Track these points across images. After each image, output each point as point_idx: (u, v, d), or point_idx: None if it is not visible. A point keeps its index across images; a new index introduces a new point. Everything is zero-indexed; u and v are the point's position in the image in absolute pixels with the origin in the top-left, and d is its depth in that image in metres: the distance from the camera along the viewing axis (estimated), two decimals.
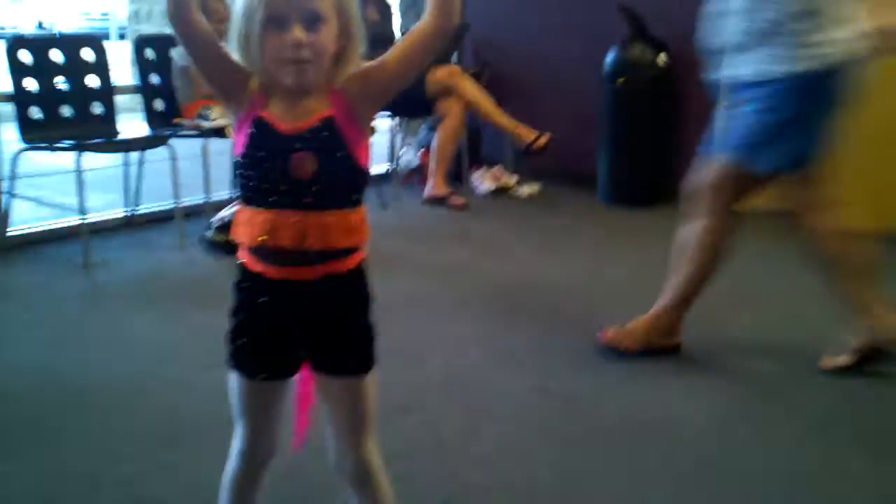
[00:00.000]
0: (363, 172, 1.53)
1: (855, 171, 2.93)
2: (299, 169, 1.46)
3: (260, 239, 1.49)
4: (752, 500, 2.19)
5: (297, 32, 1.42)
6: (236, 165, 1.53)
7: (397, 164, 5.68)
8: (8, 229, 3.98)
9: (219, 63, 1.53)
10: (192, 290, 3.50)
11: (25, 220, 4.15)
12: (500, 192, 5.50)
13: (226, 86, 1.54)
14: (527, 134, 5.21)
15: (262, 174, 1.48)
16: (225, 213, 4.15)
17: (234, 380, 1.60)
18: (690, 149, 5.13)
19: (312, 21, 1.44)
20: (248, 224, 1.50)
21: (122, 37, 13.70)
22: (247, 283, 1.55)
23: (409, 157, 5.77)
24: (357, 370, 1.60)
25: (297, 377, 1.62)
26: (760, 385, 2.83)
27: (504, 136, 5.44)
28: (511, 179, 5.60)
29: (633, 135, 5.16)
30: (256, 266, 1.53)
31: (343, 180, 1.50)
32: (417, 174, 5.64)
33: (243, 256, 1.55)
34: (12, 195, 3.94)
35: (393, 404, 2.59)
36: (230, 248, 3.95)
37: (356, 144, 1.50)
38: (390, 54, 1.56)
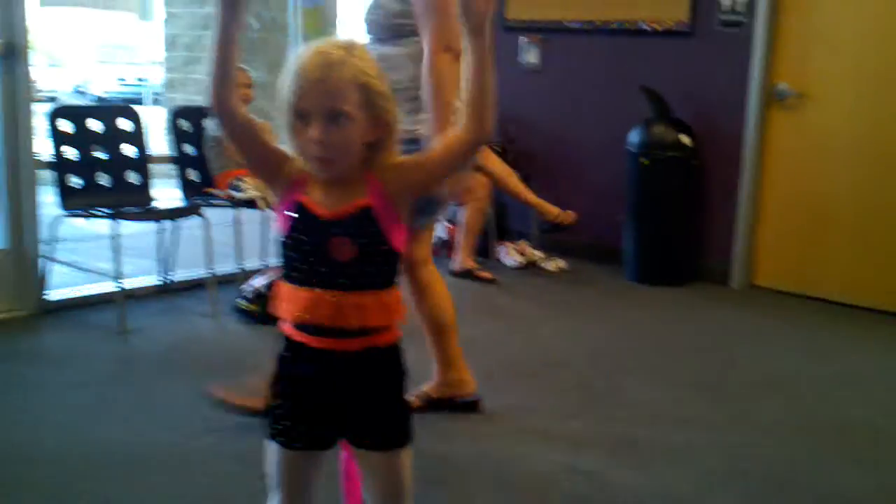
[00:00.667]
0: (398, 255, 1.59)
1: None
2: (338, 253, 1.53)
3: (299, 316, 1.54)
4: None
5: (316, 131, 1.49)
6: (280, 244, 1.59)
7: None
8: (45, 293, 4.04)
9: (257, 148, 1.61)
10: (224, 357, 3.54)
11: (62, 284, 4.21)
12: (528, 266, 5.54)
13: (264, 168, 1.63)
14: (551, 210, 5.29)
15: (302, 256, 1.54)
16: (256, 281, 4.21)
17: (271, 449, 1.63)
18: (715, 227, 5.24)
19: (335, 118, 1.50)
20: (289, 301, 1.56)
21: (156, 102, 14.03)
22: (289, 353, 1.61)
23: (437, 231, 5.83)
24: (395, 444, 1.64)
25: (340, 456, 1.67)
26: None
27: (530, 212, 5.52)
28: (537, 254, 5.64)
29: (659, 213, 5.20)
30: (299, 337, 1.58)
31: (379, 263, 1.57)
32: (445, 248, 5.69)
33: (286, 328, 1.60)
34: (50, 260, 4.02)
35: (425, 478, 2.61)
36: (261, 317, 4.03)
37: (392, 230, 1.56)
38: (428, 156, 1.63)
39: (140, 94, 17.01)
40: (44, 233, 3.99)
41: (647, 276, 5.23)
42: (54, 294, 4.11)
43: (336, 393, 1.59)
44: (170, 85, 10.09)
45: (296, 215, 1.55)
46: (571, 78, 5.80)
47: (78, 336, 3.79)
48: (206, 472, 2.60)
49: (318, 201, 1.55)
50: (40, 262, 4.01)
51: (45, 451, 2.69)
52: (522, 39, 5.96)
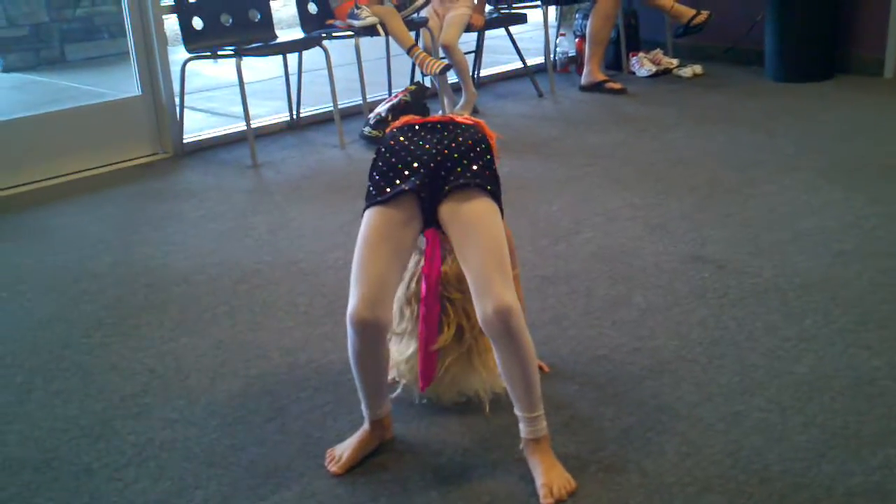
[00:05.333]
0: None
1: None
2: None
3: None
4: None
5: None
6: None
7: (553, 54, 5.59)
8: (183, 137, 4.22)
9: None
10: (352, 182, 3.62)
11: (198, 129, 4.38)
12: (662, 74, 5.32)
13: None
14: (685, 12, 5.01)
15: None
16: (380, 109, 4.24)
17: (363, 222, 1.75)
18: (866, 16, 4.83)
19: None
20: None
21: None
22: None
23: (565, 46, 5.66)
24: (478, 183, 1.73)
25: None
26: None
27: (662, 17, 5.25)
28: (672, 62, 5.39)
29: (801, 6, 4.84)
30: None
31: None
32: (574, 63, 5.53)
33: None
34: (184, 105, 4.17)
35: (542, 275, 2.63)
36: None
37: None
38: None
39: None
40: (177, 83, 4.12)
41: (791, 73, 4.93)
42: (191, 137, 4.27)
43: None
44: None
45: None
46: None
47: (213, 173, 3.95)
48: (336, 278, 2.70)
49: None
50: (175, 107, 4.16)
51: (193, 272, 2.86)
52: None
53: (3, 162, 3.76)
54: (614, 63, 5.47)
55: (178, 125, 4.18)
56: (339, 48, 4.46)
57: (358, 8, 4.33)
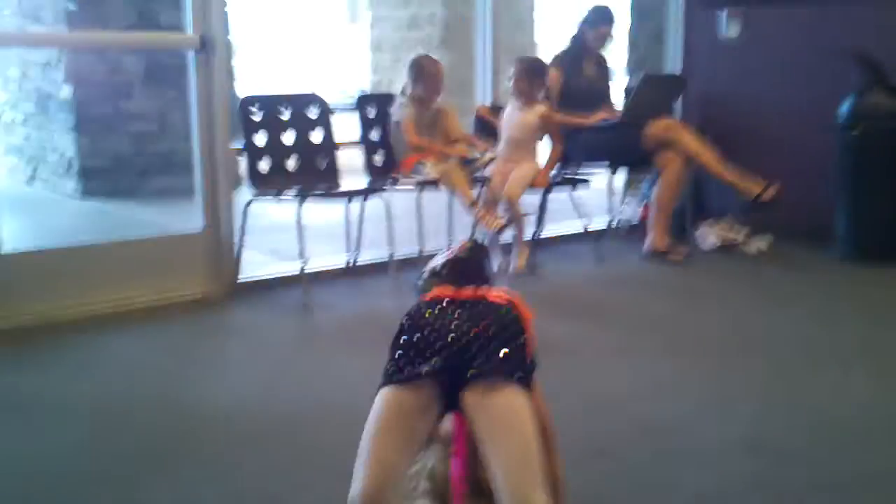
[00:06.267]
0: None
1: None
2: None
3: None
4: None
5: None
6: None
7: (618, 219, 5.57)
8: (239, 274, 4.23)
9: None
10: None
11: (254, 266, 4.39)
12: (728, 247, 5.23)
13: None
14: (753, 187, 4.95)
15: None
16: (434, 262, 4.20)
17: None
18: None
19: None
20: None
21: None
22: None
23: (630, 211, 5.64)
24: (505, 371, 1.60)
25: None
26: None
27: (730, 190, 5.21)
28: (739, 234, 5.31)
29: (873, 186, 4.77)
30: None
31: None
32: (638, 229, 5.49)
33: None
34: (243, 244, 4.20)
35: (587, 448, 2.49)
36: None
37: None
38: None
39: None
40: (237, 218, 4.17)
41: (861, 253, 4.80)
42: (247, 274, 4.28)
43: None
44: (375, 87, 10.39)
45: None
46: (773, 49, 5.44)
47: (266, 313, 3.93)
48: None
49: None
50: (235, 245, 4.19)
51: (235, 412, 2.80)
52: (722, 14, 5.66)
53: (66, 286, 3.79)
54: (678, 231, 5.42)
55: (236, 263, 4.20)
56: (402, 199, 4.49)
57: (423, 164, 4.39)
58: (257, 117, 4.28)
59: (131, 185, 7.38)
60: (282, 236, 4.32)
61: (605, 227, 5.44)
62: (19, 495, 2.27)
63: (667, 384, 3.03)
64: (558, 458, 1.79)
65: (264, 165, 4.23)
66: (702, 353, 3.38)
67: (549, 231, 5.43)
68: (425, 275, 4.15)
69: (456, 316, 1.69)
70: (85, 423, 2.71)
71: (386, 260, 4.41)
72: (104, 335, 3.57)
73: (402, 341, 1.68)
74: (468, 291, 1.79)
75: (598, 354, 3.34)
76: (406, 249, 4.55)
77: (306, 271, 4.08)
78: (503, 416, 1.57)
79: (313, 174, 4.37)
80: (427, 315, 1.70)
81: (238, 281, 4.23)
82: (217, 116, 4.11)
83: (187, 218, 4.33)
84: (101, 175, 7.40)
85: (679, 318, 3.85)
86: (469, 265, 4.12)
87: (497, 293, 1.79)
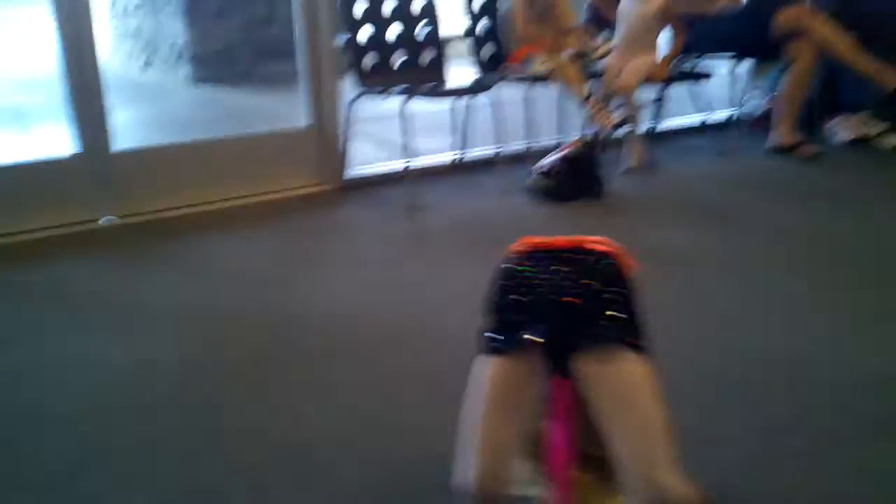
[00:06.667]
0: None
1: None
2: None
3: None
4: None
5: None
6: None
7: (741, 111, 5.24)
8: (345, 171, 4.17)
9: None
10: (511, 234, 3.45)
11: (361, 162, 4.32)
12: (860, 142, 4.88)
13: None
14: (893, 78, 4.56)
15: None
16: (546, 161, 4.05)
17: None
18: None
19: None
20: None
21: None
22: None
23: (756, 103, 5.30)
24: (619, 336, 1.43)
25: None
26: None
27: (867, 80, 4.81)
28: (874, 129, 4.94)
29: None
30: None
31: None
32: (764, 121, 5.16)
33: None
34: (349, 139, 4.13)
35: (701, 376, 2.35)
36: (551, 195, 3.94)
37: None
38: None
39: None
40: (343, 113, 4.09)
41: None
42: (353, 171, 4.22)
43: None
44: None
45: None
46: None
47: (372, 212, 3.88)
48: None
49: None
50: (340, 140, 4.12)
51: (334, 319, 2.76)
52: None
53: (173, 185, 3.82)
54: (807, 127, 5.07)
55: (343, 159, 4.14)
56: (512, 92, 4.31)
57: (533, 57, 4.17)
58: (360, 11, 4.12)
59: (242, 72, 7.39)
60: (388, 127, 4.22)
61: (727, 121, 5.13)
62: (129, 406, 2.30)
63: (794, 306, 2.82)
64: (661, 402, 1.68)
65: (368, 62, 4.09)
66: (836, 267, 3.14)
67: (667, 125, 5.18)
68: (535, 174, 4.03)
69: (555, 272, 1.51)
70: (182, 336, 2.69)
71: (494, 155, 4.26)
72: (211, 236, 3.58)
73: (498, 303, 1.53)
74: (563, 240, 1.60)
75: (718, 267, 3.15)
76: (515, 146, 4.40)
77: (412, 168, 3.99)
78: (623, 389, 1.44)
79: (419, 70, 4.22)
80: (526, 272, 1.53)
81: (345, 178, 4.17)
82: (320, 9, 3.99)
83: (296, 103, 4.26)
84: (212, 62, 7.43)
85: (807, 226, 3.59)
86: (581, 165, 4.00)
87: (596, 241, 1.60)
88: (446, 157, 4.50)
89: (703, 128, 4.87)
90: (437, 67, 4.29)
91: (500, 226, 3.66)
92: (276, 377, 2.42)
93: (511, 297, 1.51)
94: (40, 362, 2.52)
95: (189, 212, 3.79)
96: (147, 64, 8.16)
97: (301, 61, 4.07)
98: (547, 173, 3.98)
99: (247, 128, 4.90)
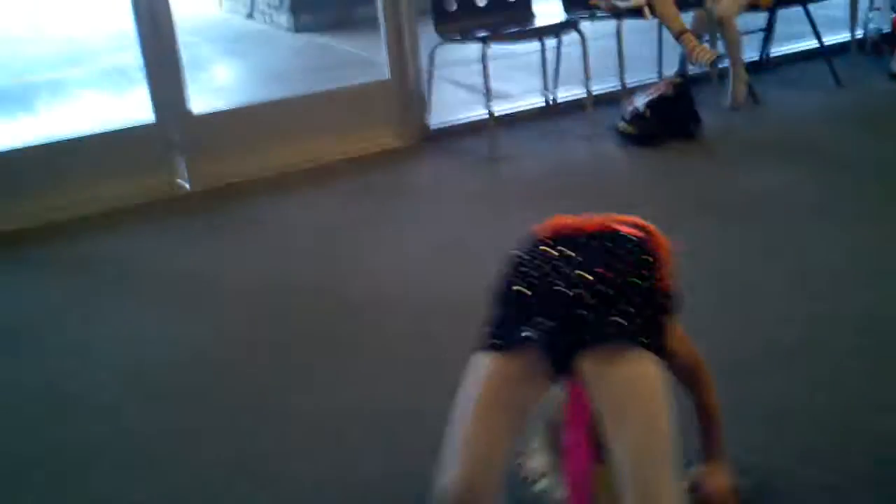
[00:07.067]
0: None
1: None
2: None
3: None
4: None
5: None
6: None
7: (863, 31, 4.79)
8: (428, 121, 4.04)
9: None
10: (596, 184, 3.29)
11: (442, 112, 4.17)
12: None
13: None
14: None
15: None
16: (638, 102, 3.80)
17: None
18: None
19: None
20: None
21: None
22: None
23: (879, 21, 4.83)
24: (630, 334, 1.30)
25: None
26: None
27: None
28: None
29: None
30: None
31: None
32: (887, 43, 4.70)
33: None
34: (430, 90, 3.98)
35: (784, 345, 2.16)
36: (641, 139, 3.69)
37: None
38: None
39: None
40: (424, 63, 3.94)
41: None
42: (436, 121, 4.08)
43: None
44: None
45: None
46: None
47: (451, 166, 3.75)
48: None
49: None
50: (422, 90, 3.99)
51: (381, 298, 2.65)
52: None
53: (254, 145, 3.76)
54: None
55: (424, 112, 4.01)
56: (603, 27, 4.06)
57: None
58: None
59: (340, 18, 7.35)
60: (473, 72, 4.04)
61: (846, 42, 4.70)
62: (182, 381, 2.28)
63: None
64: (713, 391, 1.53)
65: (450, 3, 3.92)
66: None
67: (777, 51, 4.77)
68: (624, 118, 3.80)
69: (569, 260, 1.37)
70: (236, 306, 2.65)
71: (583, 98, 4.03)
72: (283, 197, 3.51)
73: (508, 291, 1.39)
74: (589, 221, 1.45)
75: (818, 220, 2.87)
76: (606, 84, 4.16)
77: (497, 115, 3.83)
78: (627, 392, 1.29)
79: (503, 9, 4.02)
80: (542, 258, 1.39)
81: (428, 129, 4.04)
82: None
83: None
84: (311, 8, 7.45)
85: None
86: (673, 105, 3.74)
87: (627, 223, 1.44)
88: (534, 102, 4.30)
89: (819, 52, 4.45)
90: (522, 6, 4.08)
91: (583, 175, 3.49)
92: (321, 357, 2.34)
93: (514, 288, 1.37)
94: (87, 340, 2.51)
95: (271, 171, 3.70)
96: (250, 13, 8.20)
97: (380, 7, 3.92)
98: (637, 116, 3.74)
99: (343, 79, 4.78)
